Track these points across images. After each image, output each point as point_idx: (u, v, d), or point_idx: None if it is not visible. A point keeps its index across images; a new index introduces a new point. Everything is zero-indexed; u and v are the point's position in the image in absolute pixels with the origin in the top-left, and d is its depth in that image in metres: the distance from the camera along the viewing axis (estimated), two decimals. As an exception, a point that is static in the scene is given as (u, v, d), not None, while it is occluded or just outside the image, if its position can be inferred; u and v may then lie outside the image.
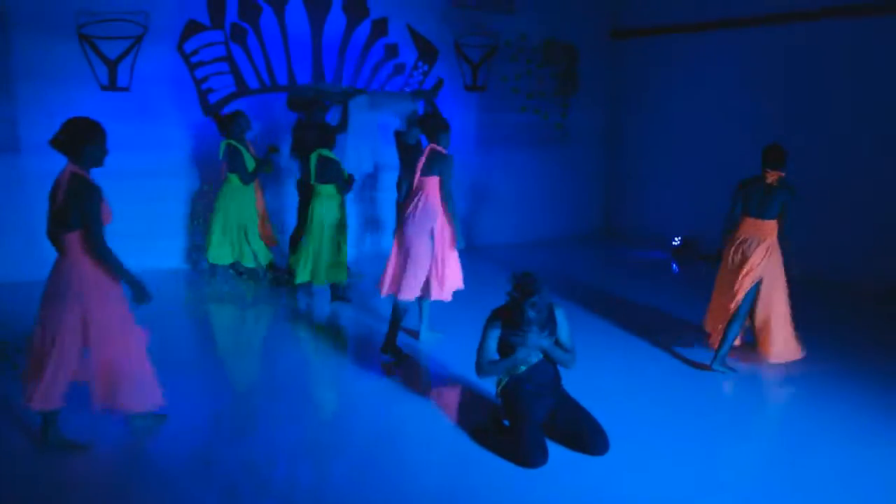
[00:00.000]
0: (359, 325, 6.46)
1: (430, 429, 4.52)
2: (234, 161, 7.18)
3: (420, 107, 7.75)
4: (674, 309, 6.93)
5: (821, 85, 7.85)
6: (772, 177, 5.30)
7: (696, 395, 5.05)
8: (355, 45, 8.75)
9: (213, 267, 7.61)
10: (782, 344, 5.45)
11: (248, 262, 7.44)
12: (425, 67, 9.14)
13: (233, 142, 7.17)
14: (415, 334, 6.05)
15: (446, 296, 5.65)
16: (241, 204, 7.30)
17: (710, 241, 8.68)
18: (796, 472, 4.02)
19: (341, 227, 6.83)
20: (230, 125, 7.17)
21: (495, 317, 4.27)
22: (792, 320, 5.48)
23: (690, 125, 9.36)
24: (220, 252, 7.36)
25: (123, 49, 7.67)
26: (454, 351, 5.72)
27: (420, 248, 5.47)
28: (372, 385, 5.19)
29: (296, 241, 7.35)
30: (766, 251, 5.30)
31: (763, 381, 5.41)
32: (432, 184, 5.50)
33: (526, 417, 4.10)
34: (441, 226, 5.52)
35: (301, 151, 7.27)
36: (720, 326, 5.49)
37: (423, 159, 5.53)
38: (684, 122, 9.44)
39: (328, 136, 6.87)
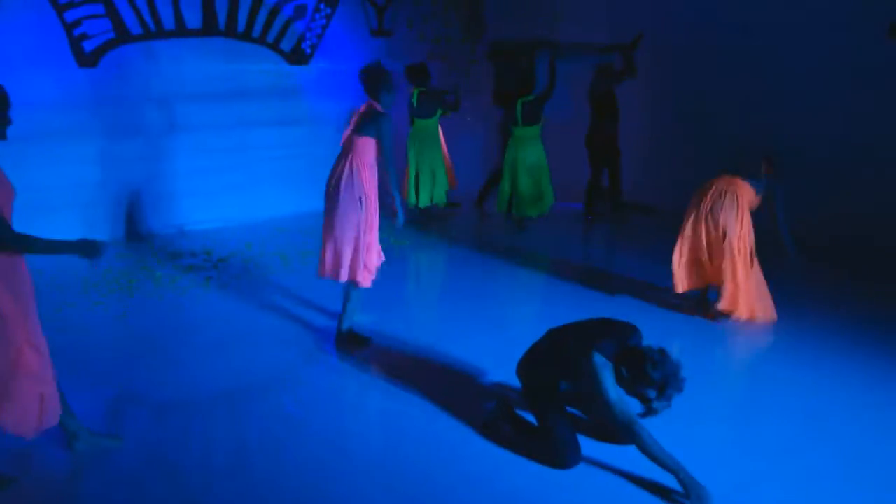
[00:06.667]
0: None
1: (430, 426, 4.08)
2: (427, 107, 7.78)
3: (615, 59, 8.17)
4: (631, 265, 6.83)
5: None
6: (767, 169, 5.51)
7: (714, 360, 4.96)
8: (250, -16, 7.79)
9: (424, 209, 8.10)
10: (742, 303, 5.35)
11: (433, 201, 8.01)
12: (328, 10, 8.32)
13: (424, 89, 7.73)
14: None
15: (366, 280, 5.00)
16: (430, 147, 7.87)
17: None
18: (838, 441, 3.99)
19: (540, 166, 7.75)
20: (421, 75, 7.73)
21: (611, 363, 3.53)
22: (761, 284, 5.42)
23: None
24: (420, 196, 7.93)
25: (-26, -13, 6.37)
26: (434, 332, 5.32)
27: (351, 219, 4.85)
28: (352, 380, 4.67)
29: (497, 178, 8.13)
30: (737, 209, 5.27)
31: (781, 342, 5.29)
32: (363, 145, 4.84)
33: (558, 412, 3.77)
34: (370, 195, 4.88)
35: (504, 99, 7.99)
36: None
37: (356, 116, 4.89)
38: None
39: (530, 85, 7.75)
